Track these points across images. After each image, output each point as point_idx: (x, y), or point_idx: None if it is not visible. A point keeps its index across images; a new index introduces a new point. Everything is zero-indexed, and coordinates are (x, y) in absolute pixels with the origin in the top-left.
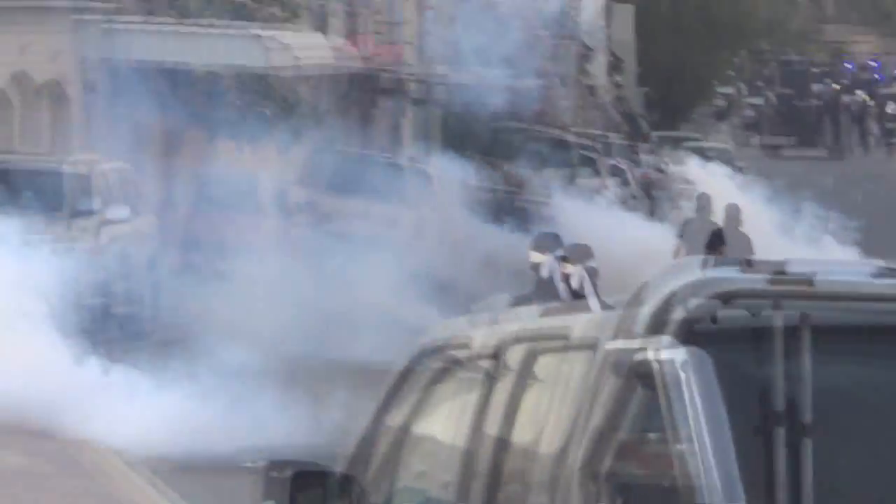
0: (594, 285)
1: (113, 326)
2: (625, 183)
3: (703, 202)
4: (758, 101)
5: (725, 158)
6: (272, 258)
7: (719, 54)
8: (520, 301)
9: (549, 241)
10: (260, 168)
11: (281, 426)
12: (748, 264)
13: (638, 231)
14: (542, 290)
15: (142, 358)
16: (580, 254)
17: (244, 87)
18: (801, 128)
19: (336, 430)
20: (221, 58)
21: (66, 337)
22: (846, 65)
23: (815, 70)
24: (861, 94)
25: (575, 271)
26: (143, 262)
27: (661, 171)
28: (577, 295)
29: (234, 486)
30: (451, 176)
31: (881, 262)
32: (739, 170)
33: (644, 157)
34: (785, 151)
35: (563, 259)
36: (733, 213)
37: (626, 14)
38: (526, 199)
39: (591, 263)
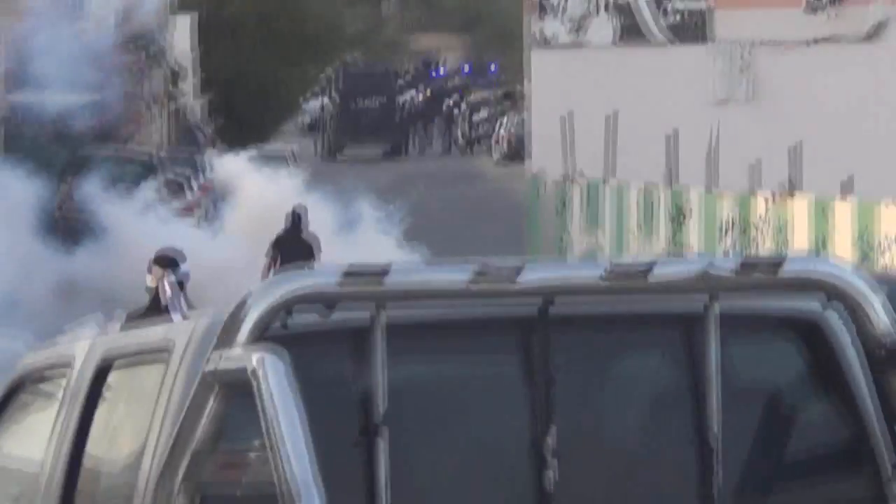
0: (183, 293)
1: None
2: (181, 194)
3: (296, 213)
4: (317, 104)
5: (286, 161)
6: None
7: (306, 67)
8: (132, 320)
9: (165, 258)
10: None
11: None
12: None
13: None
14: (156, 309)
15: None
16: (168, 259)
17: None
18: (357, 131)
19: None
20: None
21: None
22: (432, 72)
23: (401, 80)
24: (448, 101)
25: (162, 278)
26: None
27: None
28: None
29: None
30: (8, 195)
31: (475, 263)
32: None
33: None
34: (344, 152)
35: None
36: (298, 213)
37: (185, 24)
38: (74, 213)
39: (183, 269)
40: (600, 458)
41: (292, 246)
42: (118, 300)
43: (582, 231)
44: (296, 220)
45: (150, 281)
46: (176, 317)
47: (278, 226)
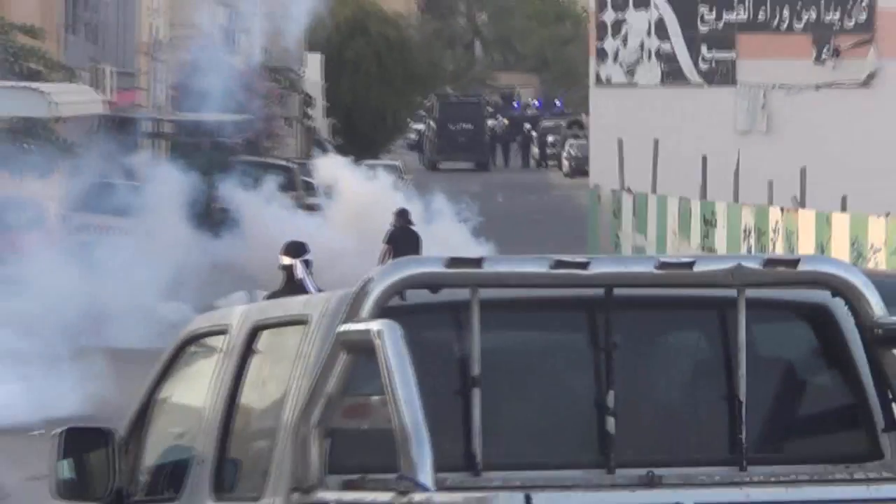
0: (310, 274)
1: None
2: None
3: (403, 213)
4: (419, 127)
5: (396, 172)
6: (45, 264)
7: (412, 97)
8: (273, 296)
9: (296, 248)
10: (28, 192)
11: (66, 401)
12: (453, 261)
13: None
14: (290, 287)
15: None
16: (297, 248)
17: (15, 129)
18: (451, 149)
19: (111, 404)
20: (2, 108)
21: None
22: (513, 104)
23: (488, 109)
24: (526, 126)
25: (295, 263)
26: None
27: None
28: (300, 286)
29: (24, 450)
30: (173, 192)
31: (552, 256)
32: (405, 180)
33: None
34: (441, 165)
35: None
36: (404, 213)
37: (316, 60)
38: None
39: (307, 256)
40: (649, 411)
41: (403, 238)
42: (255, 279)
43: (631, 233)
44: (404, 215)
45: (284, 261)
46: (309, 293)
47: (375, 219)
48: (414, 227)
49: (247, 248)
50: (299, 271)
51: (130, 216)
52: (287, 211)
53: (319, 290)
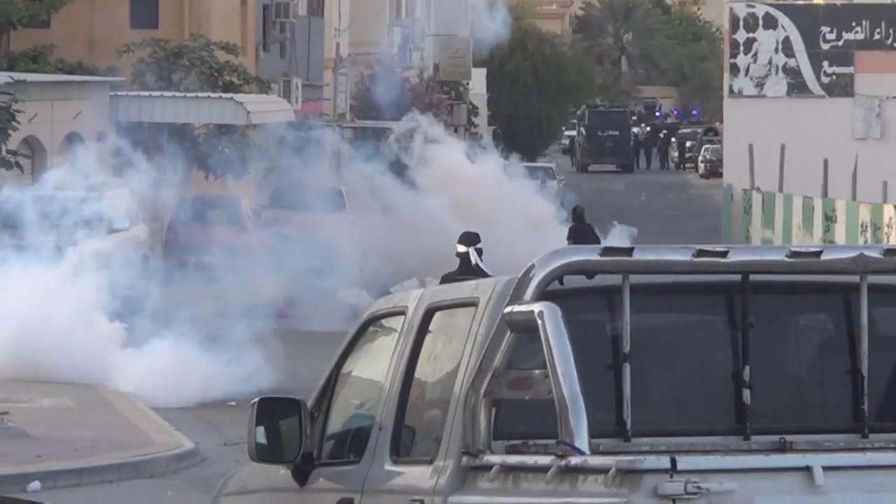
0: (481, 260)
1: (125, 304)
2: None
3: (578, 211)
4: (571, 133)
5: (550, 173)
6: (242, 255)
7: (565, 107)
8: (446, 279)
9: (469, 237)
10: (225, 190)
11: (259, 376)
12: (606, 250)
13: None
14: (464, 271)
15: (146, 326)
16: (470, 238)
17: (213, 135)
18: (600, 153)
19: (300, 378)
20: (207, 117)
21: (92, 311)
22: (655, 113)
23: (634, 117)
24: (664, 132)
25: (469, 251)
26: (138, 259)
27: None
28: (476, 269)
29: (221, 419)
30: (360, 190)
31: (694, 246)
32: (559, 181)
33: None
34: (591, 167)
35: (468, 244)
36: (579, 212)
37: (480, 75)
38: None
39: (479, 245)
40: (781, 384)
41: (581, 232)
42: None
43: (760, 228)
44: (579, 212)
45: (459, 248)
46: (485, 276)
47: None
48: (589, 223)
49: (422, 239)
50: (473, 257)
51: (315, 211)
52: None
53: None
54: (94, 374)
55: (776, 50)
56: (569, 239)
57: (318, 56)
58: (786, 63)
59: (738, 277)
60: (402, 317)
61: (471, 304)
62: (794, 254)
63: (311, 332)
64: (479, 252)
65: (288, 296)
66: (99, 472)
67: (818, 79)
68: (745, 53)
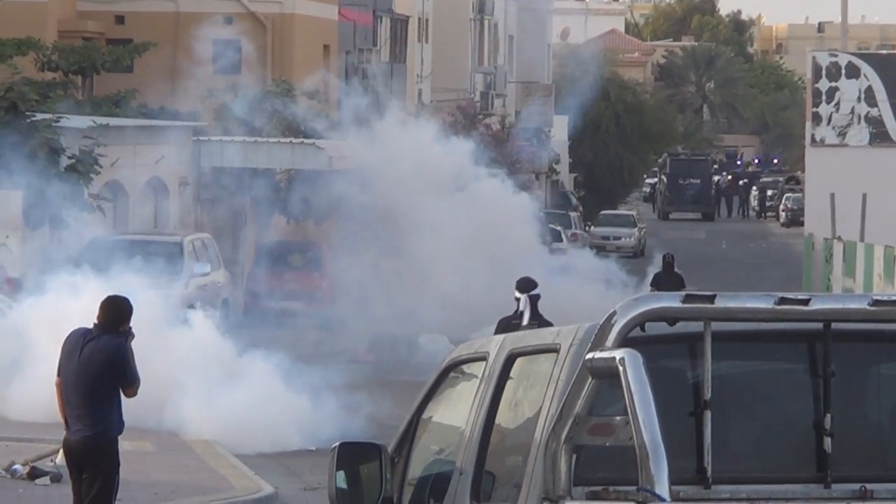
0: (536, 307)
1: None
2: (559, 240)
3: (668, 259)
4: (653, 181)
5: (631, 221)
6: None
7: (647, 154)
8: (503, 322)
9: (523, 283)
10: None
11: (343, 422)
12: (688, 297)
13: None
14: (516, 315)
15: (226, 370)
16: (526, 284)
17: (292, 180)
18: (681, 201)
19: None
20: (289, 162)
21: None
22: (737, 161)
23: (715, 165)
24: (743, 181)
25: (522, 297)
26: (219, 302)
27: (585, 230)
28: (521, 314)
29: (301, 464)
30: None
31: (777, 293)
32: (640, 228)
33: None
34: (672, 215)
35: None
36: (669, 259)
37: (562, 122)
38: None
39: (535, 291)
40: (862, 433)
41: (667, 279)
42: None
43: (841, 277)
44: (669, 260)
45: (516, 294)
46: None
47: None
48: (678, 271)
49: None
50: (521, 303)
51: (393, 257)
52: (531, 253)
53: (534, 321)
54: (173, 419)
55: (858, 99)
56: (652, 285)
57: (400, 102)
58: (868, 112)
59: (820, 325)
60: (483, 362)
61: (552, 350)
62: (877, 302)
63: (390, 377)
64: (537, 298)
65: (368, 341)
66: None
67: None
68: (828, 102)
